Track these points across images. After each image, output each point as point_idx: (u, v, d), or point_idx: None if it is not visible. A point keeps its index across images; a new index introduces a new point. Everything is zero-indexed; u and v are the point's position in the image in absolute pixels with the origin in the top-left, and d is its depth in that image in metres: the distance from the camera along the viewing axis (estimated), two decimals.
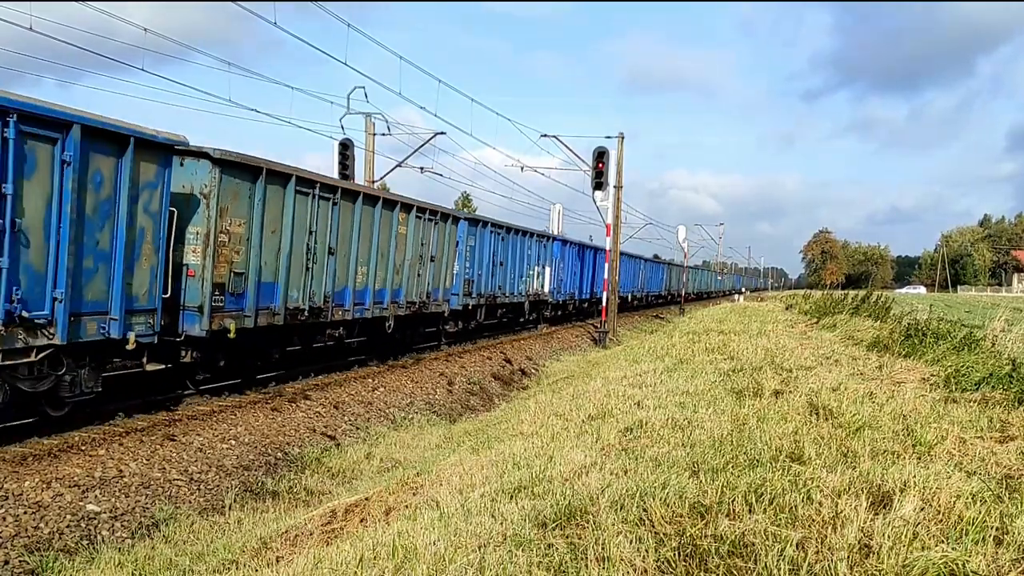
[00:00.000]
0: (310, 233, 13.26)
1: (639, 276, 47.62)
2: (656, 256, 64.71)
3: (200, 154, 10.77)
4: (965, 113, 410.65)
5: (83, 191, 8.73)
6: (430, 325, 20.09)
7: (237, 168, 11.32)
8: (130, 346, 9.59)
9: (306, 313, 13.35)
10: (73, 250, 8.62)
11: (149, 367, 10.51)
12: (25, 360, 8.42)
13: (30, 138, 8.08)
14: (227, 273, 11.38)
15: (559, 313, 32.54)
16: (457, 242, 20.21)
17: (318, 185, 13.41)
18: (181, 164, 10.60)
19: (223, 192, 11.06)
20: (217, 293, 11.17)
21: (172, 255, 10.45)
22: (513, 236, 24.97)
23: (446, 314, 20.11)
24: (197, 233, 10.83)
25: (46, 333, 8.49)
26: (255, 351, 12.98)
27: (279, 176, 12.33)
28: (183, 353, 11.15)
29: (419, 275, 17.73)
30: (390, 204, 16.11)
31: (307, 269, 13.27)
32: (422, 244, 17.73)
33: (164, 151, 9.95)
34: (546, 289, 28.93)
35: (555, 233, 33.94)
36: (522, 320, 27.93)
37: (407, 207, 16.95)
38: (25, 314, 8.14)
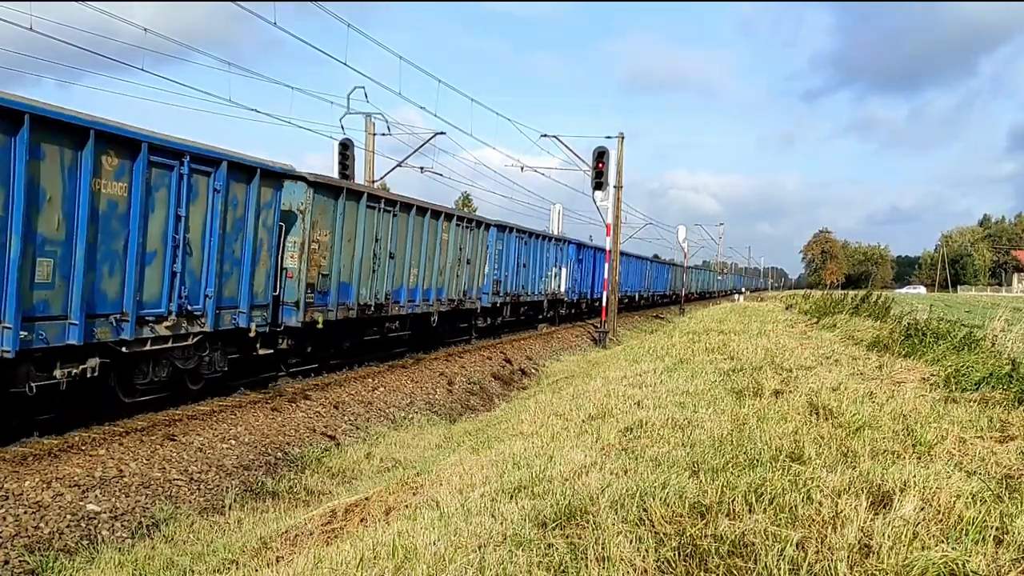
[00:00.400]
0: (376, 241, 15.81)
1: (647, 276, 50.21)
2: (656, 256, 64.83)
3: (299, 177, 13.13)
4: (965, 113, 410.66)
5: (226, 212, 11.18)
6: (464, 321, 22.35)
7: (325, 188, 13.84)
8: (252, 334, 12.15)
9: (372, 308, 15.89)
10: (218, 258, 11.10)
11: (261, 352, 12.89)
12: (184, 344, 10.82)
13: (195, 173, 10.55)
14: (316, 275, 13.68)
15: (572, 311, 35.20)
16: (488, 246, 22.43)
17: (383, 200, 16.15)
18: (282, 186, 12.91)
19: (314, 208, 13.46)
20: (308, 291, 13.45)
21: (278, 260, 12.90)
22: (534, 240, 27.38)
23: (478, 310, 22.50)
24: (295, 242, 13.19)
25: (200, 323, 10.96)
26: (333, 340, 15.36)
27: (354, 194, 15.05)
28: (280, 341, 13.38)
29: (458, 275, 20.14)
30: (436, 214, 18.63)
31: (373, 271, 15.80)
32: (460, 249, 20.14)
33: (278, 177, 12.56)
34: (562, 288, 31.16)
35: (555, 233, 34.46)
36: (540, 317, 30.30)
37: (449, 216, 19.49)
38: (188, 308, 10.59)
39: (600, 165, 27.21)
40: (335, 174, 22.91)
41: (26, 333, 8.20)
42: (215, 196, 10.90)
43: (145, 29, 16.12)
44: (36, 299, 8.37)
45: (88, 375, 9.23)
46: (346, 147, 23.74)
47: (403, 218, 17.01)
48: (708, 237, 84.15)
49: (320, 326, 13.79)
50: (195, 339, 10.96)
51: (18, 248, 8.02)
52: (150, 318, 9.96)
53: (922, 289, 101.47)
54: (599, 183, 27.37)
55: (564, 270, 31.03)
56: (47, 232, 8.43)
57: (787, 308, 33.33)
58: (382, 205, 15.95)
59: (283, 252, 12.83)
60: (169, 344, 10.45)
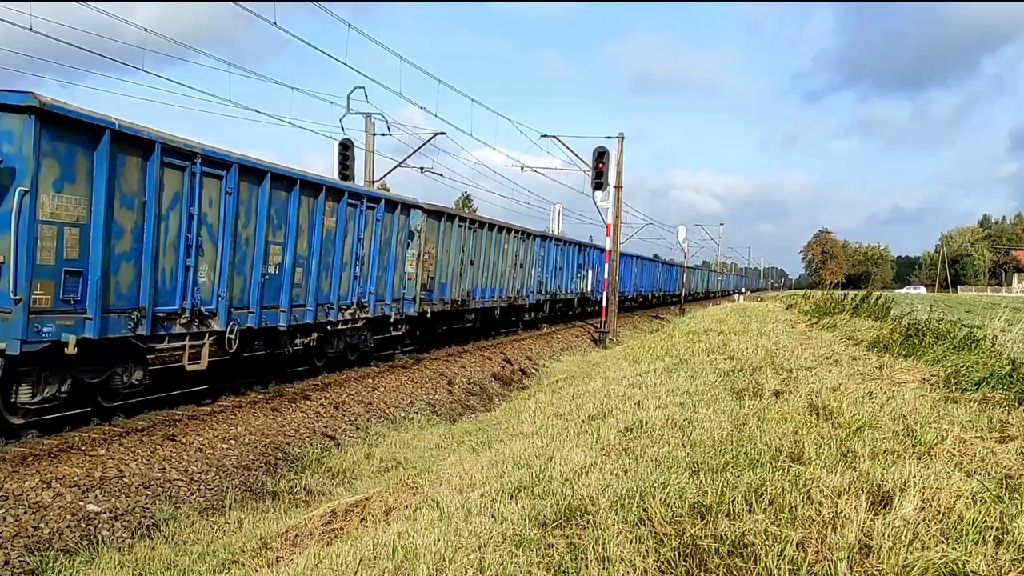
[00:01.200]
0: (462, 251, 20.57)
1: (657, 277, 55.91)
2: (656, 256, 65.12)
3: (419, 207, 18.03)
4: (968, 113, 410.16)
5: (381, 234, 15.93)
6: (515, 315, 27.30)
7: (434, 213, 18.86)
8: (392, 319, 16.91)
9: (459, 303, 20.75)
10: (377, 266, 15.84)
11: (394, 333, 17.47)
12: (356, 326, 15.50)
13: (368, 208, 15.35)
14: (426, 278, 18.48)
15: (598, 307, 39.71)
16: (534, 253, 27.22)
17: (468, 220, 21.56)
18: (410, 213, 17.67)
19: (427, 228, 18.39)
20: (422, 290, 18.20)
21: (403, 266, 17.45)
22: (567, 247, 32.20)
23: (526, 306, 27.37)
24: (413, 253, 17.86)
25: (366, 311, 15.59)
26: (432, 327, 20.02)
27: (451, 216, 20.08)
28: (400, 326, 17.61)
29: (513, 277, 25.13)
30: (500, 229, 23.60)
31: (460, 275, 20.51)
32: (516, 255, 25.15)
33: (410, 207, 17.66)
34: (589, 288, 35.68)
35: (555, 233, 34.87)
36: (570, 312, 34.74)
37: (509, 230, 24.40)
38: (362, 301, 15.32)
39: (600, 165, 27.22)
40: (335, 174, 22.95)
41: (289, 315, 12.81)
42: (377, 224, 15.67)
43: (145, 29, 16.13)
44: (295, 294, 12.96)
45: (311, 344, 13.95)
46: (346, 147, 23.75)
47: (479, 233, 21.95)
48: (708, 237, 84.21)
49: (429, 316, 18.85)
50: (362, 322, 15.58)
51: (290, 263, 12.67)
52: (343, 307, 14.64)
53: (922, 289, 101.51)
54: (599, 183, 27.38)
55: (591, 272, 35.71)
56: (300, 252, 12.98)
57: (787, 308, 33.33)
58: (467, 224, 21.08)
59: (406, 261, 17.56)
60: (348, 326, 15.18)
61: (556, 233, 35.40)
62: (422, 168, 28.70)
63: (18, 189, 8.00)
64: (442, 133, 27.93)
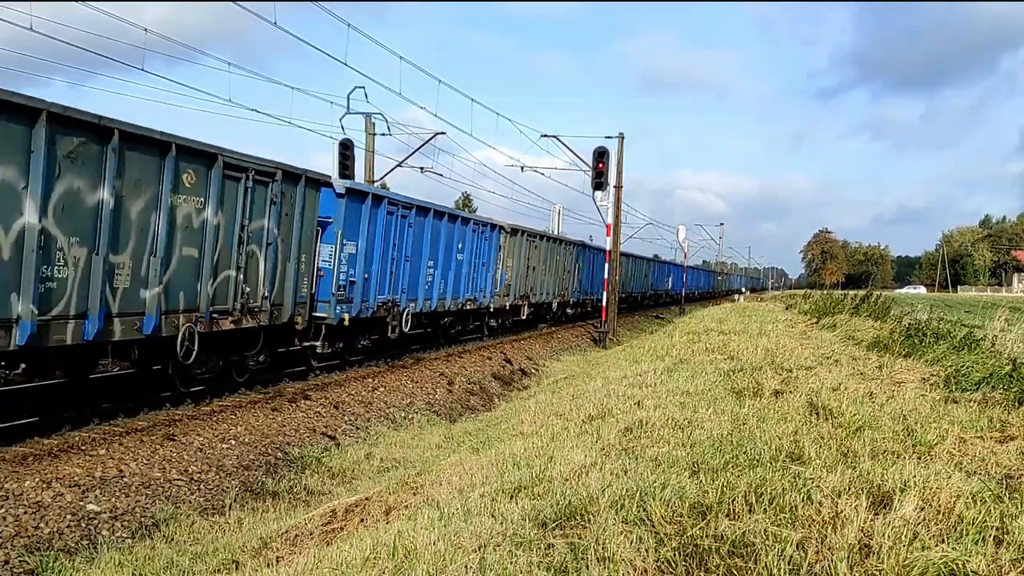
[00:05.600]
0: (528, 259, 26.29)
1: (670, 277, 60.43)
2: (656, 256, 65.35)
3: (501, 227, 23.65)
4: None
5: (488, 246, 21.88)
6: (564, 310, 32.81)
7: (514, 232, 24.90)
8: (490, 309, 23.80)
9: (529, 296, 26.82)
10: (470, 267, 21.07)
11: (491, 322, 24.77)
12: (479, 311, 22.49)
13: (484, 231, 22.50)
14: (518, 280, 25.51)
15: (624, 307, 46.21)
16: (576, 260, 32.88)
17: (536, 236, 27.73)
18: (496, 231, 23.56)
19: (508, 244, 24.29)
20: (511, 289, 24.97)
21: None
22: (598, 253, 36.00)
23: (570, 303, 33.07)
24: (502, 259, 23.71)
25: (487, 302, 22.48)
26: (530, 315, 27.64)
27: (522, 232, 25.80)
28: (490, 317, 24.66)
29: (563, 280, 30.96)
30: (555, 240, 30.19)
31: (527, 277, 26.49)
32: (565, 261, 31.03)
33: (497, 227, 23.33)
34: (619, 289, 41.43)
35: (556, 233, 34.90)
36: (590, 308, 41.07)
37: (562, 241, 31.18)
38: (483, 294, 22.21)
39: (600, 165, 27.22)
40: (335, 174, 22.96)
41: (449, 301, 19.44)
42: (484, 241, 21.90)
43: (146, 29, 16.11)
44: (463, 287, 20.27)
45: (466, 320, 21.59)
46: (346, 147, 23.76)
47: (538, 243, 27.61)
48: (708, 237, 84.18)
49: (531, 307, 27.06)
50: (480, 307, 22.35)
51: (454, 267, 19.70)
52: (470, 299, 20.97)
53: (922, 289, 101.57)
54: (599, 183, 27.39)
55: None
56: (458, 260, 20.38)
57: (787, 308, 33.32)
58: (527, 237, 26.35)
59: (499, 266, 23.56)
60: (469, 308, 21.62)
61: (594, 243, 37.87)
62: (422, 168, 28.74)
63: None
64: (442, 133, 28.10)
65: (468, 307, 21.52)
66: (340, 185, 14.50)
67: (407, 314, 17.31)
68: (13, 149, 7.95)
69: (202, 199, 10.66)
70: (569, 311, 33.62)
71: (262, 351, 12.93)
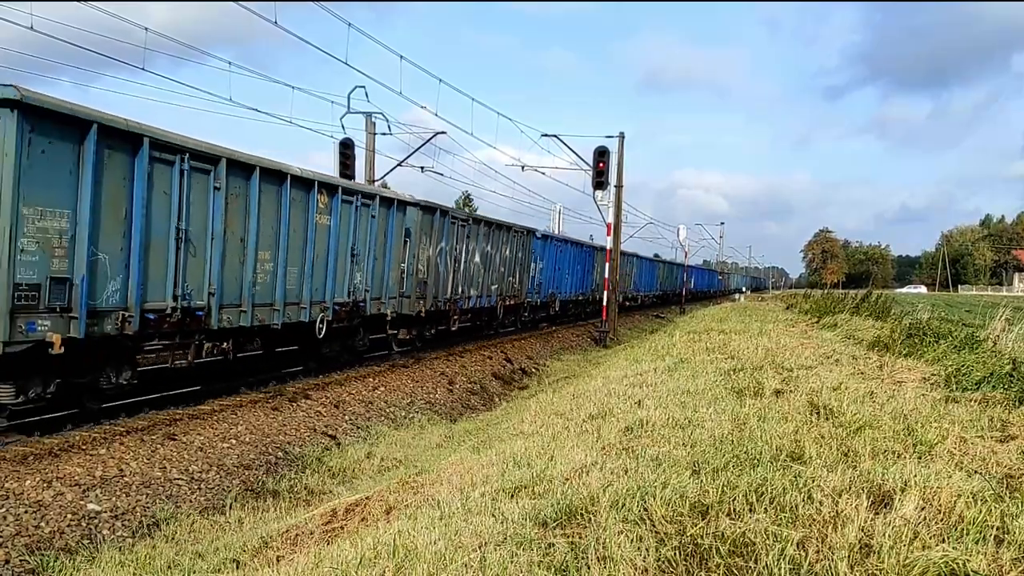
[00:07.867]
0: (556, 262, 29.40)
1: (680, 278, 62.29)
2: (656, 256, 65.41)
3: (534, 233, 26.68)
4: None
5: (526, 253, 25.76)
6: (585, 307, 36.23)
7: (545, 238, 28.38)
8: (533, 304, 27.65)
9: (558, 294, 30.57)
10: (505, 271, 23.42)
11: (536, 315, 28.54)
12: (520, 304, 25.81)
13: (520, 237, 25.58)
14: (551, 282, 29.20)
15: (638, 303, 49.46)
16: (594, 261, 36.31)
17: (563, 241, 31.77)
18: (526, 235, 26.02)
19: (542, 251, 27.75)
20: (544, 288, 28.50)
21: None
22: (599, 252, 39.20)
23: (591, 300, 35.82)
24: (535, 263, 26.83)
25: (529, 297, 26.66)
26: (558, 311, 31.42)
27: (554, 239, 29.64)
28: (529, 311, 27.87)
29: (583, 280, 34.46)
30: (577, 244, 33.88)
31: (554, 279, 29.31)
32: (589, 264, 35.19)
33: (531, 233, 25.93)
34: (631, 288, 44.39)
35: (556, 233, 34.97)
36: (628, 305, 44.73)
37: (584, 245, 35.06)
38: (528, 291, 26.81)
39: (601, 164, 27.21)
40: (336, 174, 22.96)
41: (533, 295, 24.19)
42: (521, 248, 24.72)
43: (146, 29, 16.10)
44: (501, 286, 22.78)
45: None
46: (347, 147, 23.74)
47: (562, 246, 30.99)
48: (709, 237, 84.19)
49: (557, 306, 30.65)
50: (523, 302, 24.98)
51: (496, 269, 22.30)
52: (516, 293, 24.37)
53: (922, 288, 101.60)
54: (600, 182, 27.38)
55: (633, 273, 43.88)
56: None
57: (787, 308, 33.31)
58: (564, 244, 30.87)
59: (536, 270, 26.61)
60: (511, 303, 23.93)
61: (600, 243, 39.28)
62: (422, 168, 28.72)
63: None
64: (443, 132, 28.04)
65: (510, 303, 25.18)
66: (420, 202, 17.79)
67: (460, 309, 20.77)
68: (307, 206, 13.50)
69: (329, 216, 14.09)
70: (589, 308, 36.08)
71: (364, 336, 16.28)
